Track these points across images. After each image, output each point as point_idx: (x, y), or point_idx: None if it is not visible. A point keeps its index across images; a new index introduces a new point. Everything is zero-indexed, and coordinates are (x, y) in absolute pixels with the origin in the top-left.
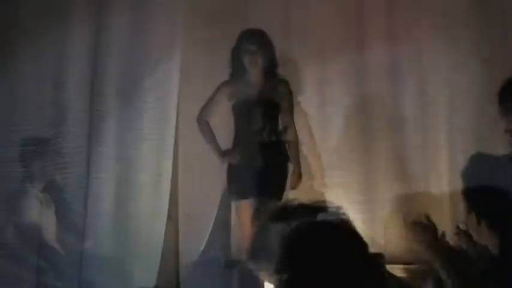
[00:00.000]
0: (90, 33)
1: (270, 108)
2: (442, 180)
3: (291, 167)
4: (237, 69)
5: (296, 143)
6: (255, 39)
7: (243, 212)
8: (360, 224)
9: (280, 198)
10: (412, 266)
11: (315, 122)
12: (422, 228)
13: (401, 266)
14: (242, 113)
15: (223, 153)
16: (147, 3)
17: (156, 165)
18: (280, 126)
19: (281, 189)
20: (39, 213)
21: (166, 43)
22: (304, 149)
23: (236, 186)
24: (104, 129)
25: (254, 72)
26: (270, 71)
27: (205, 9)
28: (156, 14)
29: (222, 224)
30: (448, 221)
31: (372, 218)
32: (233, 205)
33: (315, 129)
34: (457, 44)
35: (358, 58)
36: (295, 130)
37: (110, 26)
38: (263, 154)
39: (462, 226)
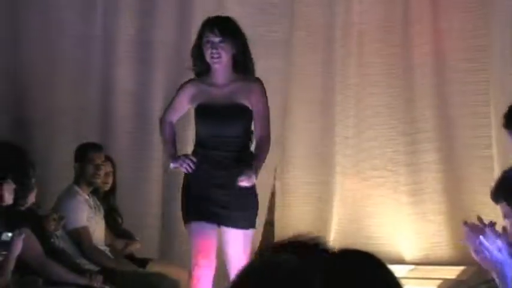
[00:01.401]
0: None
1: (236, 115)
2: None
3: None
4: (199, 66)
5: (263, 153)
6: (218, 28)
7: (199, 235)
8: (409, 225)
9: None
10: (462, 268)
11: (356, 122)
12: (475, 230)
13: (451, 268)
14: (204, 118)
15: (174, 159)
16: None
17: None
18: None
19: (249, 220)
20: (88, 217)
21: None
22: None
23: (191, 206)
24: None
25: (218, 69)
26: (239, 67)
27: None
28: None
29: None
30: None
31: (420, 219)
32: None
33: (357, 128)
34: None
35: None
36: (264, 138)
37: None
38: (224, 171)
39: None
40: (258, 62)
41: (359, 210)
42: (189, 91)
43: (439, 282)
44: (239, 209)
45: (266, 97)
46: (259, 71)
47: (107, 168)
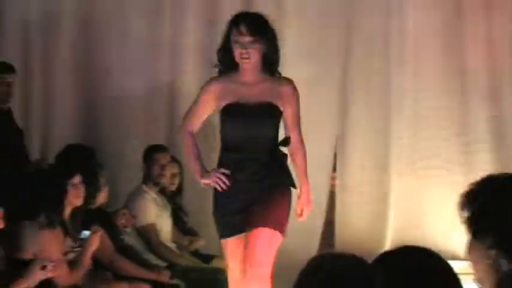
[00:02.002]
0: None
1: (268, 114)
2: None
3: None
4: (227, 64)
5: (304, 158)
6: (248, 27)
7: (232, 253)
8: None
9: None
10: None
11: (411, 124)
12: None
13: None
14: (233, 118)
15: (203, 175)
16: None
17: None
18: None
19: (281, 223)
20: (156, 215)
21: None
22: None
23: (223, 221)
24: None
25: (247, 69)
26: (269, 67)
27: None
28: None
29: None
30: None
31: None
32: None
33: (413, 130)
34: None
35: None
36: (301, 142)
37: None
38: (259, 175)
39: None
40: (318, 65)
41: (415, 208)
42: (214, 91)
43: None
44: (263, 209)
45: (298, 98)
46: (319, 75)
47: (174, 169)
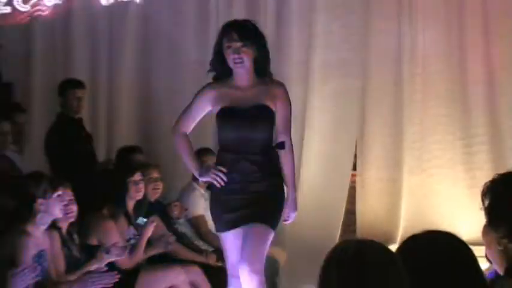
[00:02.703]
0: None
1: (262, 117)
2: None
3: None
4: (221, 70)
5: (291, 165)
6: (238, 33)
7: (230, 246)
8: (465, 212)
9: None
10: None
11: (421, 129)
12: None
13: None
14: (229, 121)
15: (201, 173)
16: None
17: None
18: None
19: (273, 220)
20: (204, 208)
21: None
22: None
23: (220, 218)
24: None
25: (241, 73)
26: (261, 70)
27: None
28: None
29: None
30: None
31: (475, 207)
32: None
33: (422, 134)
34: None
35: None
36: (290, 147)
37: None
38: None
39: None
40: (342, 79)
41: (423, 200)
42: (209, 95)
43: None
44: (258, 207)
45: (290, 102)
46: (342, 87)
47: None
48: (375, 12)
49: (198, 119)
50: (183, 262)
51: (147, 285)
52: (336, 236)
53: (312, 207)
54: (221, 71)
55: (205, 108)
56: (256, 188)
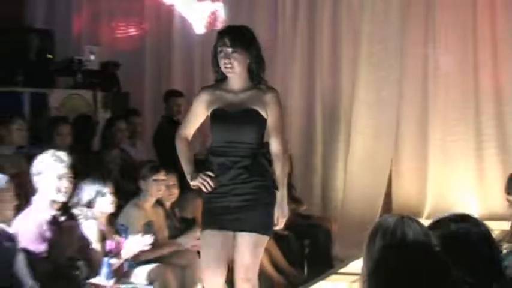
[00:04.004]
0: None
1: (251, 121)
2: None
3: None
4: (218, 73)
5: (281, 168)
6: (231, 38)
7: (209, 245)
8: (476, 195)
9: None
10: None
11: (443, 132)
12: None
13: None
14: (217, 124)
15: (192, 178)
16: None
17: None
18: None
19: (266, 227)
20: None
21: None
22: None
23: (209, 218)
24: None
25: (232, 77)
26: (253, 75)
27: None
28: None
29: None
30: None
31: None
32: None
33: (444, 135)
34: None
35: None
36: (281, 151)
37: None
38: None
39: None
40: (378, 92)
41: (445, 185)
42: (204, 98)
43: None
44: (250, 214)
45: (281, 107)
46: (379, 99)
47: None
48: (407, 39)
49: (197, 123)
50: None
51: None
52: (378, 212)
53: (359, 190)
54: (219, 73)
55: (202, 112)
56: (244, 190)
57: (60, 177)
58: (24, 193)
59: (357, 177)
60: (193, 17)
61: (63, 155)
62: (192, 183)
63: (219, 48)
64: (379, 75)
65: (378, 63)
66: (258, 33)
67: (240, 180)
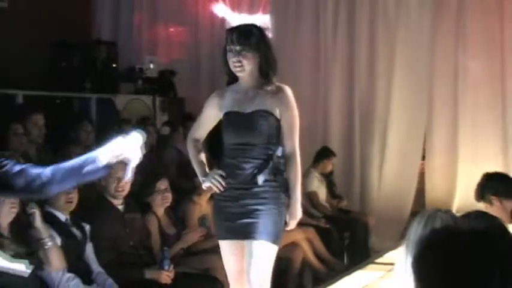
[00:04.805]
0: None
1: (262, 122)
2: None
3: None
4: (228, 74)
5: (294, 170)
6: (238, 37)
7: (226, 254)
8: None
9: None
10: None
11: (472, 127)
12: None
13: None
14: (227, 125)
15: (204, 179)
16: None
17: None
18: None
19: (276, 235)
20: (316, 186)
21: None
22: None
23: (221, 224)
24: None
25: (242, 77)
26: (264, 75)
27: None
28: None
29: None
30: None
31: None
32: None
33: (473, 131)
34: None
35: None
36: (294, 153)
37: None
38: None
39: None
40: (412, 97)
41: (473, 181)
42: (215, 102)
43: None
44: (260, 222)
45: (294, 107)
46: (412, 102)
47: (330, 163)
48: (438, 45)
49: (208, 125)
50: (300, 224)
51: None
52: (409, 207)
53: (392, 187)
54: (229, 75)
55: (214, 115)
56: (254, 195)
57: (119, 179)
58: (94, 189)
59: (390, 176)
60: None
61: None
62: (204, 184)
63: (228, 47)
64: (412, 79)
65: (411, 68)
66: (302, 42)
67: (251, 184)
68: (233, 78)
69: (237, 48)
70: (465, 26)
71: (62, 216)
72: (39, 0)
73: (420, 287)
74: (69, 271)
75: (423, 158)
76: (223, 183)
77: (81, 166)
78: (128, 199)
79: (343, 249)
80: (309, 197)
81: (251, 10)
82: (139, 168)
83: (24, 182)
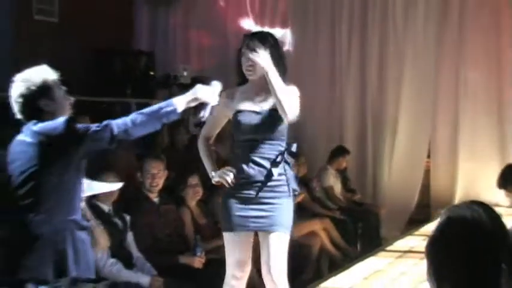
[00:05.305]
0: None
1: (271, 122)
2: None
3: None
4: (239, 76)
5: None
6: (253, 41)
7: (233, 245)
8: None
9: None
10: None
11: (471, 128)
12: None
13: None
14: (237, 125)
15: (214, 174)
16: None
17: None
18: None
19: (288, 226)
20: (333, 181)
21: None
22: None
23: (228, 218)
24: None
25: (253, 80)
26: None
27: None
28: None
29: None
30: None
31: None
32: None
33: (472, 132)
34: None
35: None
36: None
37: None
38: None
39: None
40: (417, 106)
41: (472, 178)
42: (225, 102)
43: None
44: (274, 215)
45: (297, 95)
46: (418, 110)
47: (345, 160)
48: (442, 60)
49: (218, 126)
50: (318, 215)
51: (296, 231)
52: (415, 200)
53: (400, 182)
54: (240, 77)
55: (223, 115)
56: (269, 191)
57: (153, 176)
58: (132, 184)
59: (399, 172)
60: None
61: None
62: (213, 179)
63: (243, 50)
64: (418, 88)
65: (418, 78)
66: (319, 53)
67: (266, 178)
68: (243, 80)
69: (249, 51)
70: (466, 41)
71: (105, 207)
72: (85, 15)
73: (433, 269)
74: (112, 256)
75: (428, 156)
76: (232, 178)
77: (159, 109)
78: (162, 193)
79: (356, 238)
80: (326, 191)
81: (272, 24)
82: (174, 165)
83: (109, 134)
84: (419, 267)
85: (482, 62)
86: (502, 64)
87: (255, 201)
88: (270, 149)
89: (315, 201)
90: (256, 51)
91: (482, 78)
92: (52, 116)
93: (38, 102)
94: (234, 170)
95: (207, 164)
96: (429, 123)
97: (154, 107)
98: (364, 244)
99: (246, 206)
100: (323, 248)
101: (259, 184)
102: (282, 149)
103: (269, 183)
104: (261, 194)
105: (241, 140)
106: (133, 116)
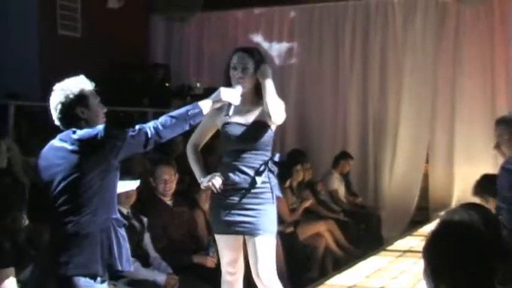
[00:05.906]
0: None
1: (256, 132)
2: None
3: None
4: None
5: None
6: (243, 55)
7: (223, 247)
8: None
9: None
10: None
11: (467, 133)
12: None
13: None
14: (225, 137)
15: (203, 181)
16: None
17: None
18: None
19: (273, 230)
20: (337, 185)
21: None
22: None
23: (217, 221)
24: None
25: (242, 92)
26: (260, 94)
27: None
28: None
29: None
30: None
31: None
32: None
33: (467, 138)
34: None
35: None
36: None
37: None
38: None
39: None
40: (416, 112)
41: (468, 180)
42: (213, 113)
43: None
44: (260, 219)
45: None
46: (417, 115)
47: (349, 164)
48: (439, 68)
49: (206, 135)
50: (323, 217)
51: (303, 233)
52: (414, 203)
53: (401, 184)
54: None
55: (211, 125)
56: (253, 198)
57: (165, 181)
58: (146, 186)
59: (399, 176)
60: (274, 52)
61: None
62: (202, 185)
63: (232, 64)
64: (417, 96)
65: (417, 86)
66: (323, 66)
67: (250, 185)
68: None
69: (240, 66)
70: (462, 50)
71: (124, 210)
72: (105, 30)
73: (430, 270)
74: (131, 256)
75: (427, 161)
76: (221, 184)
77: (186, 111)
78: (177, 196)
79: (359, 238)
80: (331, 194)
81: (280, 37)
82: (189, 171)
83: (144, 137)
84: (419, 265)
85: (477, 71)
86: (496, 74)
87: (239, 206)
88: (254, 159)
89: (320, 204)
90: (246, 65)
91: (478, 86)
92: (87, 123)
93: (75, 109)
94: (222, 177)
95: (195, 170)
96: (427, 129)
97: (182, 110)
98: (366, 244)
99: (232, 211)
100: (328, 248)
101: (243, 191)
102: (266, 158)
103: (253, 190)
104: (245, 200)
105: (229, 150)
106: (163, 119)
